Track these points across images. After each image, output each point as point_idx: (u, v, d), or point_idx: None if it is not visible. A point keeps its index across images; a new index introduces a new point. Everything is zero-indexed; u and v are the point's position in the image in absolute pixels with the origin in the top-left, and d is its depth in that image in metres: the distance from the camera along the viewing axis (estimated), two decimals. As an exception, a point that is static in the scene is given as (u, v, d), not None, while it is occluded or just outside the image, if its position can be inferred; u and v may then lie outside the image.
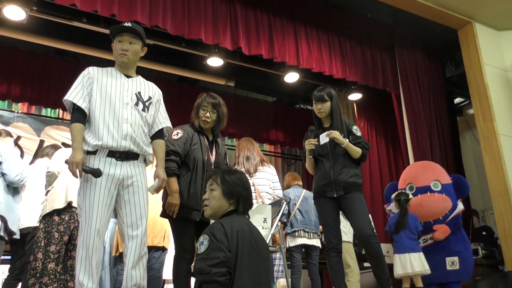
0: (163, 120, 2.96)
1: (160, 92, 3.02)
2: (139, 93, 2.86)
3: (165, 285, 4.69)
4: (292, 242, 4.90)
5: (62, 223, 3.73)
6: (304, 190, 5.09)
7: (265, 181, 4.41)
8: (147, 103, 2.86)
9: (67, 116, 6.86)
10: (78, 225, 3.74)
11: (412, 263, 4.50)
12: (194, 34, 5.43)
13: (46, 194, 3.86)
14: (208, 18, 5.54)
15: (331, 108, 3.67)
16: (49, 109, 7.08)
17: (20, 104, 6.84)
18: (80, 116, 2.72)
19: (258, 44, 5.85)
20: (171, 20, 5.25)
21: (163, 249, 4.10)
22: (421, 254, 4.63)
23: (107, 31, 5.78)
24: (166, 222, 3.90)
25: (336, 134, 3.53)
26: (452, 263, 4.58)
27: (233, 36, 5.70)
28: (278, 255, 4.82)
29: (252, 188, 4.19)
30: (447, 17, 6.47)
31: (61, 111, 7.02)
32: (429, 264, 4.57)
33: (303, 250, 4.94)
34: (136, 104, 2.81)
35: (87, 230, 2.59)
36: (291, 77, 7.03)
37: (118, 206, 2.75)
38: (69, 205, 3.77)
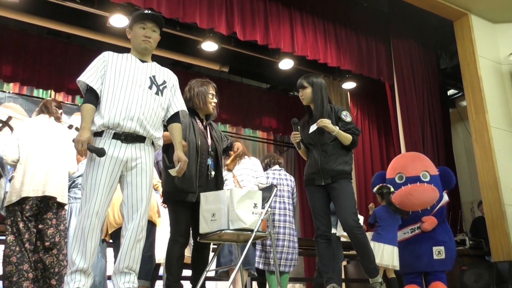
0: (179, 104, 2.97)
1: (176, 78, 3.03)
2: (154, 76, 2.85)
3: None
4: None
5: (23, 211, 3.64)
6: None
7: (246, 171, 4.49)
8: (161, 87, 2.86)
9: (59, 98, 6.81)
10: (45, 216, 3.71)
11: (383, 255, 4.59)
12: (189, 18, 5.39)
13: (10, 180, 3.77)
14: (203, 2, 5.49)
15: (312, 95, 3.65)
16: (41, 90, 7.01)
17: (11, 84, 6.76)
18: (91, 97, 2.73)
19: (253, 30, 5.82)
20: (166, 2, 5.20)
21: (151, 224, 4.01)
22: (396, 249, 4.71)
23: (100, 12, 5.78)
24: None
25: (326, 122, 3.48)
26: (438, 252, 4.65)
27: (228, 21, 5.66)
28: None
29: (232, 179, 4.37)
30: (443, 8, 6.46)
31: (53, 92, 6.95)
32: (415, 253, 4.63)
33: None
34: (150, 87, 2.81)
35: (86, 210, 2.59)
36: (286, 64, 7.02)
37: (121, 187, 2.76)
38: (23, 200, 3.64)
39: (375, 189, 5.08)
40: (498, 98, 6.32)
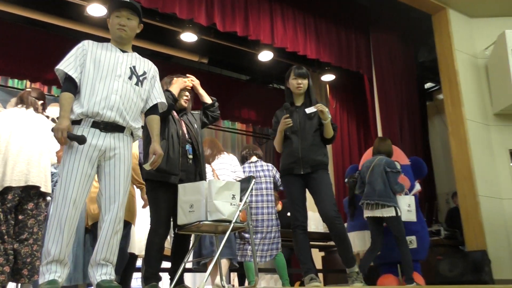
0: (158, 96, 2.97)
1: (156, 69, 3.02)
2: (134, 67, 2.85)
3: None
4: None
5: (4, 202, 3.58)
6: (376, 158, 4.72)
7: (224, 165, 4.56)
8: (141, 78, 2.85)
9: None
10: (23, 205, 3.67)
11: (354, 242, 4.68)
12: (168, 8, 5.34)
13: None
14: (183, -8, 5.44)
15: (308, 86, 3.74)
16: (16, 80, 6.89)
17: (-15, 74, 6.64)
18: (70, 86, 2.70)
19: (233, 21, 5.80)
20: (144, -8, 5.15)
21: (126, 224, 4.01)
22: (366, 232, 4.78)
23: (78, 1, 5.69)
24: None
25: (324, 108, 3.58)
26: (410, 242, 4.71)
27: (208, 11, 5.63)
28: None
29: (211, 173, 4.44)
30: (422, 1, 6.52)
31: (28, 83, 6.83)
32: (388, 244, 4.69)
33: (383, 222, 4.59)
34: (130, 77, 2.80)
35: (62, 198, 2.55)
36: (265, 56, 7.03)
37: (99, 178, 2.73)
38: (5, 190, 3.59)
39: (346, 180, 5.18)
40: (474, 92, 6.42)
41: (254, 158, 4.92)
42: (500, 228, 5.83)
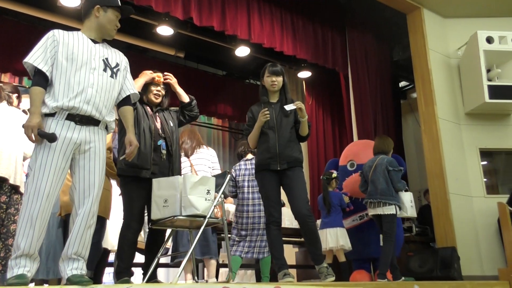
0: (131, 87, 2.95)
1: (127, 60, 3.00)
2: (107, 59, 2.81)
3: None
4: None
5: None
6: (378, 157, 4.70)
7: (202, 161, 4.54)
8: (115, 70, 2.83)
9: (5, 79, 6.54)
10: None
11: (327, 239, 4.73)
12: (144, 1, 5.27)
13: None
14: (159, -16, 5.37)
15: (282, 83, 3.76)
16: (-15, 71, 6.71)
17: (-48, 64, 6.43)
18: (41, 79, 2.63)
19: (210, 16, 5.76)
20: (120, -16, 5.06)
21: (101, 219, 3.96)
22: (339, 229, 4.83)
23: (50, -9, 5.55)
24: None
25: (303, 105, 3.61)
26: None
27: (185, 5, 5.58)
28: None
29: (189, 168, 4.41)
30: (397, 1, 6.59)
31: (-2, 73, 6.66)
32: (363, 240, 4.74)
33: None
34: (104, 70, 2.76)
35: (34, 192, 2.49)
36: (242, 51, 7.01)
37: (72, 171, 2.68)
38: None
39: (321, 177, 5.22)
40: (447, 91, 6.52)
41: (249, 156, 4.86)
42: (470, 226, 5.95)
